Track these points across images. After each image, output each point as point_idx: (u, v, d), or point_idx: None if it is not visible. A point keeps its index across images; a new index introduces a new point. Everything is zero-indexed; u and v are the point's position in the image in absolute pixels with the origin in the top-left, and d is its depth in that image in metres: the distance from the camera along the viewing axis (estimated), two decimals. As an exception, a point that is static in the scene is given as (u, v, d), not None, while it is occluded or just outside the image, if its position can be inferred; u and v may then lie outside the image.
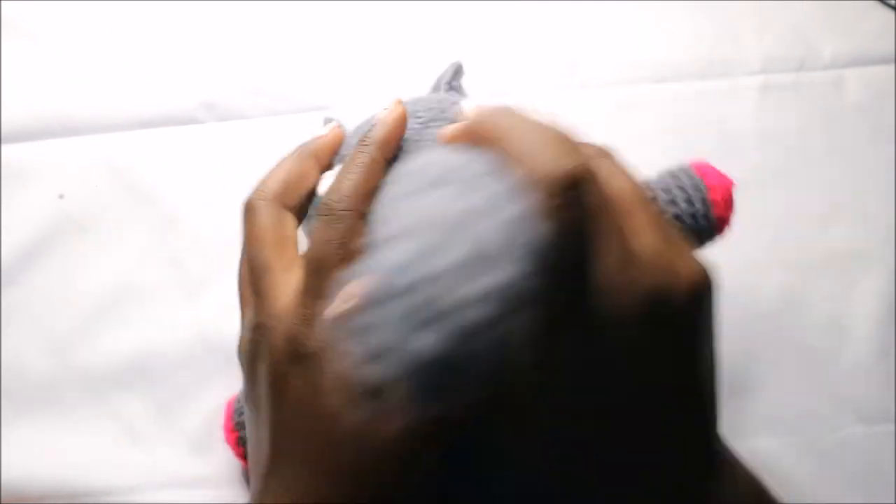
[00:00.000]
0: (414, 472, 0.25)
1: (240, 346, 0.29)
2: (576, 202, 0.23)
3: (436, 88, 0.39)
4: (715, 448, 0.28)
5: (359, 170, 0.27)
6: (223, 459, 0.43)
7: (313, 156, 0.32)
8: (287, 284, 0.27)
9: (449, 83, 0.39)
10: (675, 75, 0.49)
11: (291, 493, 0.25)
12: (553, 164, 0.24)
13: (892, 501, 0.42)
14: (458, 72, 0.40)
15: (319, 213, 0.27)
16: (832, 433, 0.43)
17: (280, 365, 0.26)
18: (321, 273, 0.26)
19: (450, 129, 0.29)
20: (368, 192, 0.27)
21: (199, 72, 0.49)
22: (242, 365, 0.29)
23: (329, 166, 0.33)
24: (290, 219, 0.30)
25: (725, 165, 0.38)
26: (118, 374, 0.44)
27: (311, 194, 0.31)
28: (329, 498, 0.25)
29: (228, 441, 0.40)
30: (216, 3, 0.50)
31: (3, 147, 0.48)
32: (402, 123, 0.30)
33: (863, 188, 0.48)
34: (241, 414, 0.40)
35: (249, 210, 0.29)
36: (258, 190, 0.30)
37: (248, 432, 0.30)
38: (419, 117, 0.32)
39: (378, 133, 0.29)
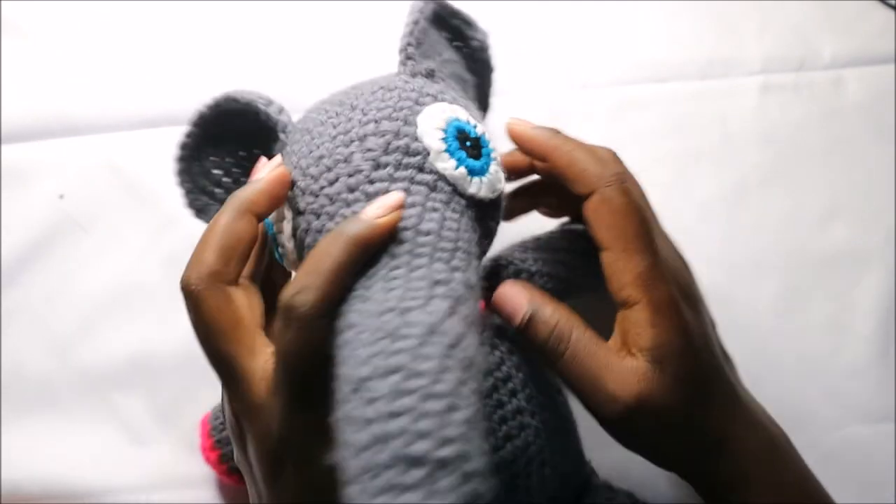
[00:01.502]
0: None
1: (226, 421, 0.29)
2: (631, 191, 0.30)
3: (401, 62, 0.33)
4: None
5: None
6: (223, 459, 0.43)
7: (248, 210, 0.28)
8: (257, 373, 0.26)
9: (406, 51, 0.32)
10: (676, 75, 0.49)
11: None
12: (603, 169, 0.30)
13: (893, 502, 0.42)
14: (421, 36, 0.32)
15: (286, 316, 0.25)
16: (832, 433, 0.43)
17: (272, 455, 0.26)
18: (298, 380, 0.25)
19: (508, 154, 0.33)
20: (336, 297, 0.25)
21: (199, 72, 0.49)
22: (230, 433, 0.29)
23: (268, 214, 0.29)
24: (236, 294, 0.27)
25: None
26: (118, 374, 0.44)
27: (259, 250, 0.29)
28: None
29: (209, 460, 0.40)
30: (216, 3, 0.50)
31: (3, 147, 0.48)
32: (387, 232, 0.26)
33: (863, 188, 0.48)
34: (222, 431, 0.39)
35: (189, 297, 0.27)
36: (192, 271, 0.27)
37: (248, 484, 0.30)
38: (370, 150, 0.27)
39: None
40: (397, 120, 0.28)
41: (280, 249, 0.30)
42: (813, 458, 0.33)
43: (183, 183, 0.33)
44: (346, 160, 0.28)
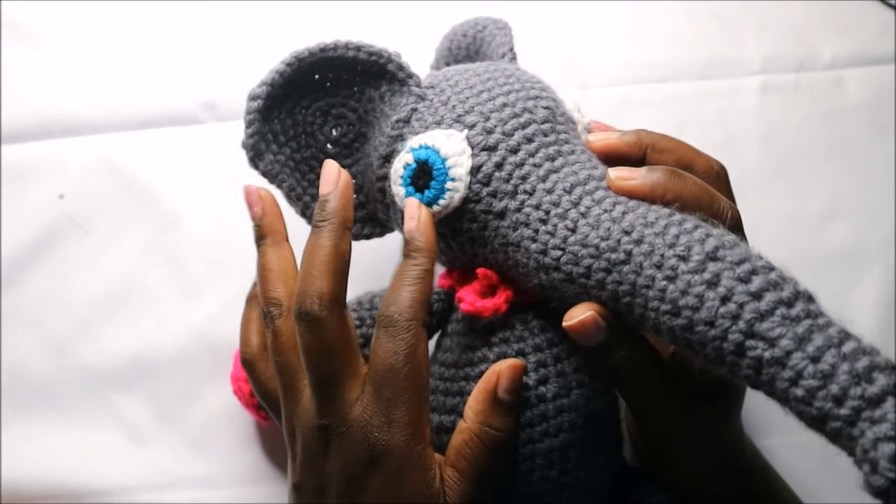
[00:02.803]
0: None
1: (294, 435, 0.30)
2: None
3: (487, 56, 0.38)
4: None
5: (413, 282, 0.28)
6: (223, 459, 0.43)
7: (346, 228, 0.30)
8: (354, 391, 0.28)
9: (513, 51, 0.37)
10: (676, 75, 0.49)
11: None
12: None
13: (893, 501, 0.42)
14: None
15: (381, 325, 0.28)
16: (832, 433, 0.43)
17: (358, 467, 0.28)
18: (390, 384, 0.28)
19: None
20: (425, 302, 0.28)
21: (199, 72, 0.49)
22: (297, 451, 0.30)
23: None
24: (349, 317, 0.29)
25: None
26: (118, 374, 0.44)
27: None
28: None
29: (241, 391, 0.39)
30: (216, 3, 0.50)
31: (3, 147, 0.48)
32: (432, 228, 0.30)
33: (863, 188, 0.48)
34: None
35: (311, 323, 0.28)
36: (312, 297, 0.28)
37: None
38: (548, 108, 0.32)
39: (423, 239, 0.29)
40: (552, 94, 0.33)
41: (451, 183, 0.30)
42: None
43: (253, 122, 0.33)
44: (531, 111, 0.31)
